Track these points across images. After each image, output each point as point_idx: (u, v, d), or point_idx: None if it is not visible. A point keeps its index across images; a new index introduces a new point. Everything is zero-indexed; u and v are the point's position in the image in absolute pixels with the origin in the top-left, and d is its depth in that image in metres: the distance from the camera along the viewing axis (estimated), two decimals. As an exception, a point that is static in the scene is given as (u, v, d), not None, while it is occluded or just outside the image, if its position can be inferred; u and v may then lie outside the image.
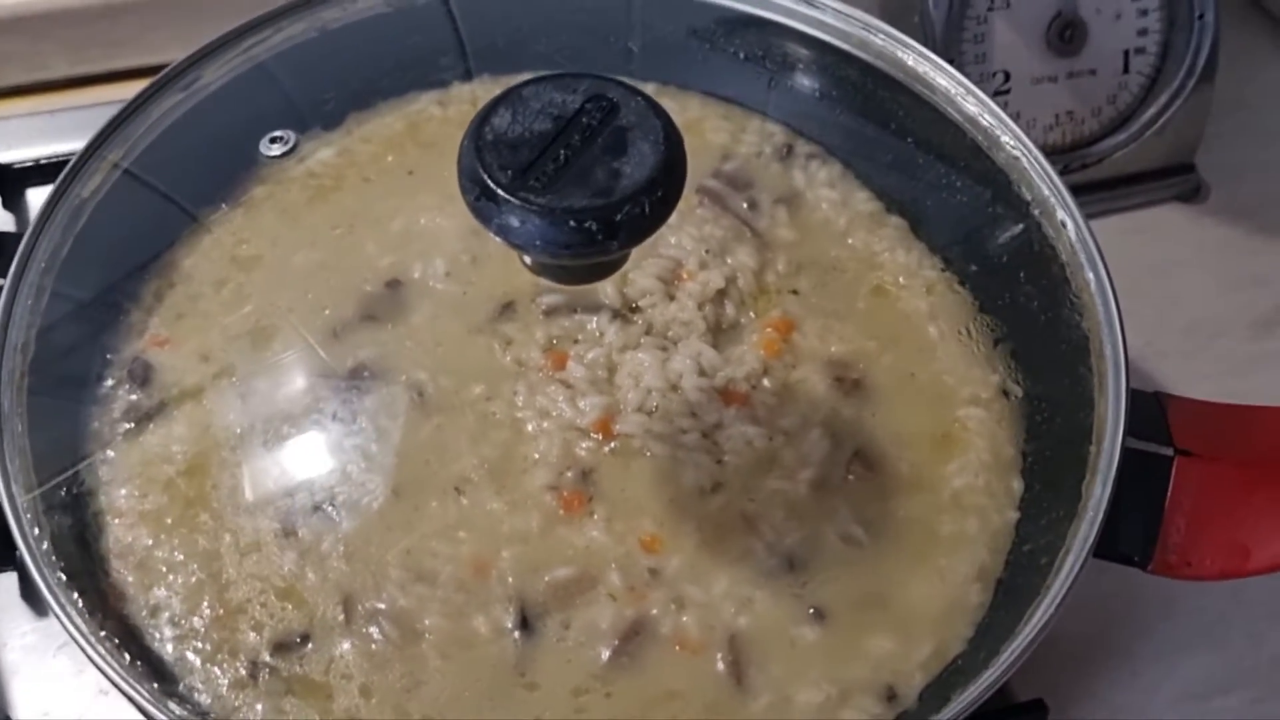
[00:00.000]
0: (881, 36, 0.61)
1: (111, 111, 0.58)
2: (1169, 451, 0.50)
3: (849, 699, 0.48)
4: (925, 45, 0.61)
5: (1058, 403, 0.54)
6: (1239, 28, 0.84)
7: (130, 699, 0.45)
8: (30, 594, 0.60)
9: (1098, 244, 0.55)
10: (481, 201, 0.44)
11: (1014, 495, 0.53)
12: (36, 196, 0.74)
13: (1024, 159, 0.58)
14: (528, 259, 0.47)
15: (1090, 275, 0.54)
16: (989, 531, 0.52)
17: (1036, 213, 0.57)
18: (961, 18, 0.70)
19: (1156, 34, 0.73)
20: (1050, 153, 0.73)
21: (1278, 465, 0.49)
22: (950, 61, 0.61)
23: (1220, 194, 0.77)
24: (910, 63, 0.60)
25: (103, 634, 0.46)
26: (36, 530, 0.48)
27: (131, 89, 0.59)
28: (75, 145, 0.64)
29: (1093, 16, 0.72)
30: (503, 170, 0.44)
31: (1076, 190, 0.77)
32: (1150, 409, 0.52)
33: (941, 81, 0.60)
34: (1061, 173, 0.75)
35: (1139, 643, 0.61)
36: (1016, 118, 0.72)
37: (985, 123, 0.59)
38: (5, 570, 0.57)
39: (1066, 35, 0.72)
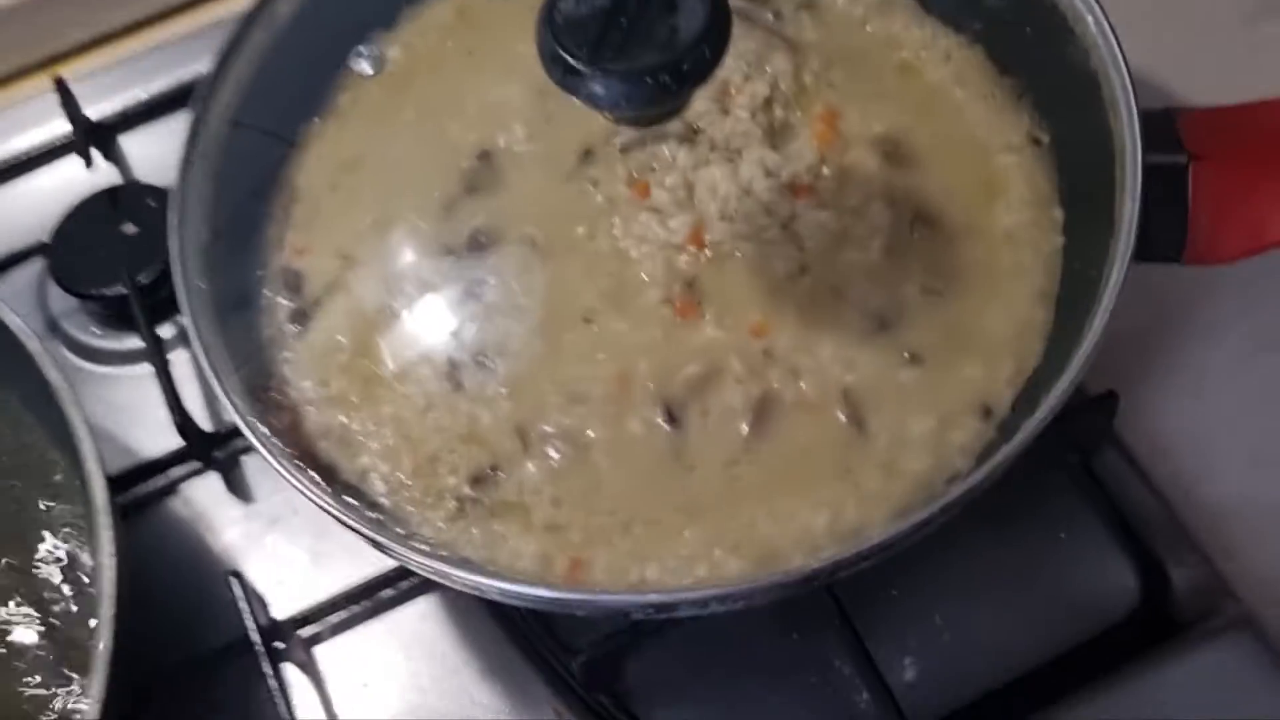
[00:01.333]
0: None
1: (170, 51, 0.62)
2: (1184, 159, 0.57)
3: (954, 422, 0.56)
4: None
5: (1081, 137, 0.60)
6: None
7: (376, 544, 0.54)
8: (236, 486, 0.70)
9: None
10: (568, 78, 0.51)
11: (1057, 223, 0.60)
12: (129, 143, 0.81)
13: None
14: (609, 119, 0.55)
15: (1089, 18, 0.60)
16: (1041, 258, 0.59)
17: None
18: None
19: None
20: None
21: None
22: None
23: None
24: None
25: (342, 498, 0.55)
26: (258, 424, 0.56)
27: (181, 23, 0.64)
28: (147, 89, 0.70)
29: None
30: (579, 47, 0.50)
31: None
32: (1163, 124, 0.58)
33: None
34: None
35: (1188, 327, 0.70)
36: None
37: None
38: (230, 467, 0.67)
39: None
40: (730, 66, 0.63)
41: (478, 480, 0.57)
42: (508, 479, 0.57)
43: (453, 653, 0.65)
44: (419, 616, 0.66)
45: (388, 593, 0.66)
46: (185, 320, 0.58)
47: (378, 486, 0.58)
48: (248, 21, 0.64)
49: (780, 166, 0.61)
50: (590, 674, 0.62)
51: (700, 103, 0.62)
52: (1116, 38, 0.58)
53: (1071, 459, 0.67)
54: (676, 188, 0.61)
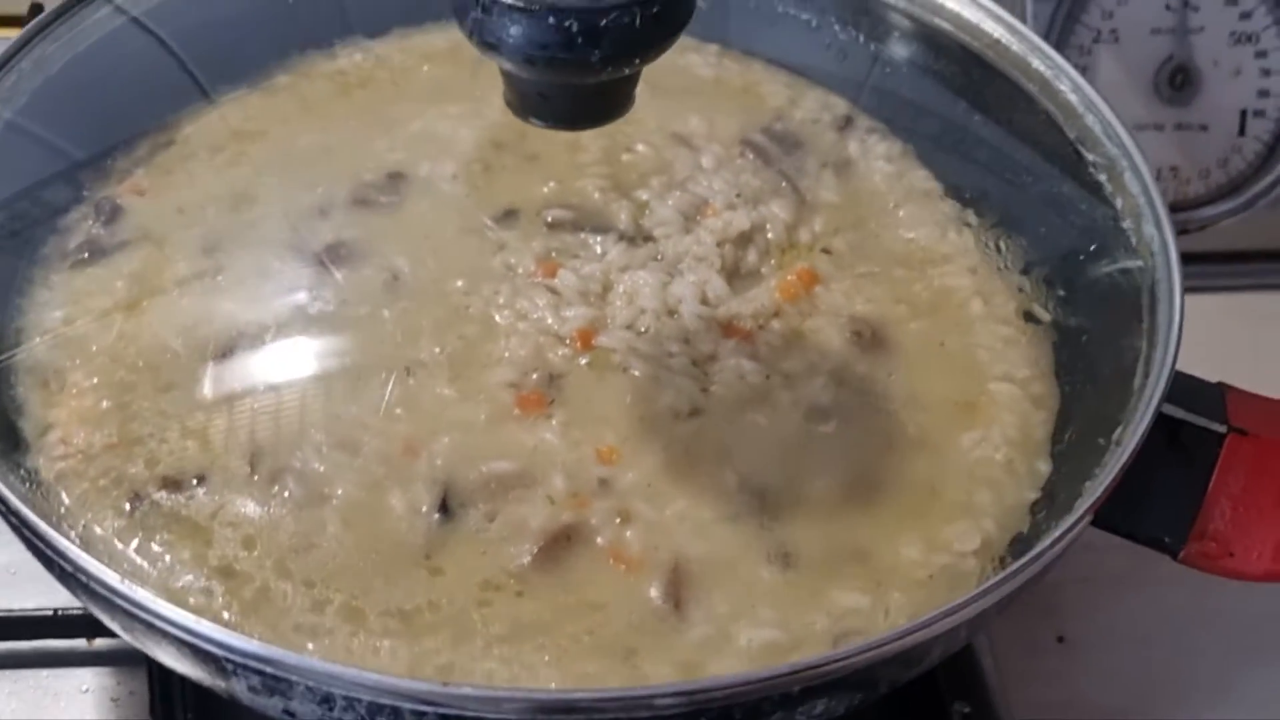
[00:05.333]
0: (983, 14, 0.56)
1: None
2: (1221, 428, 0.42)
3: (800, 648, 0.41)
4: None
5: (1104, 396, 0.47)
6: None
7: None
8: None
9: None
10: (471, 9, 0.40)
11: (1039, 477, 0.46)
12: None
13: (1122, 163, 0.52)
14: (513, 99, 0.43)
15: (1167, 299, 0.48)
16: (1003, 507, 0.45)
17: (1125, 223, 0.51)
18: (1062, 44, 0.66)
19: (1279, 98, 0.67)
20: (1149, 210, 0.68)
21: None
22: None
23: (1339, 289, 0.70)
24: (1013, 46, 0.56)
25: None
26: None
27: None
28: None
29: (1209, 67, 0.67)
30: (494, -19, 0.40)
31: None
32: (1209, 394, 0.45)
33: (1042, 69, 0.55)
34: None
35: None
36: (1115, 164, 0.67)
37: (1079, 108, 0.53)
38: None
39: (1178, 82, 0.67)
40: (716, 188, 0.53)
41: (170, 483, 0.43)
42: (205, 496, 0.43)
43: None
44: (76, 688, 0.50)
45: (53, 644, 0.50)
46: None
47: (53, 449, 0.44)
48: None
49: (723, 300, 0.49)
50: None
51: (665, 210, 0.52)
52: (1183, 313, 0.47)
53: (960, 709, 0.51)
54: (591, 280, 0.50)
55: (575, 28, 0.39)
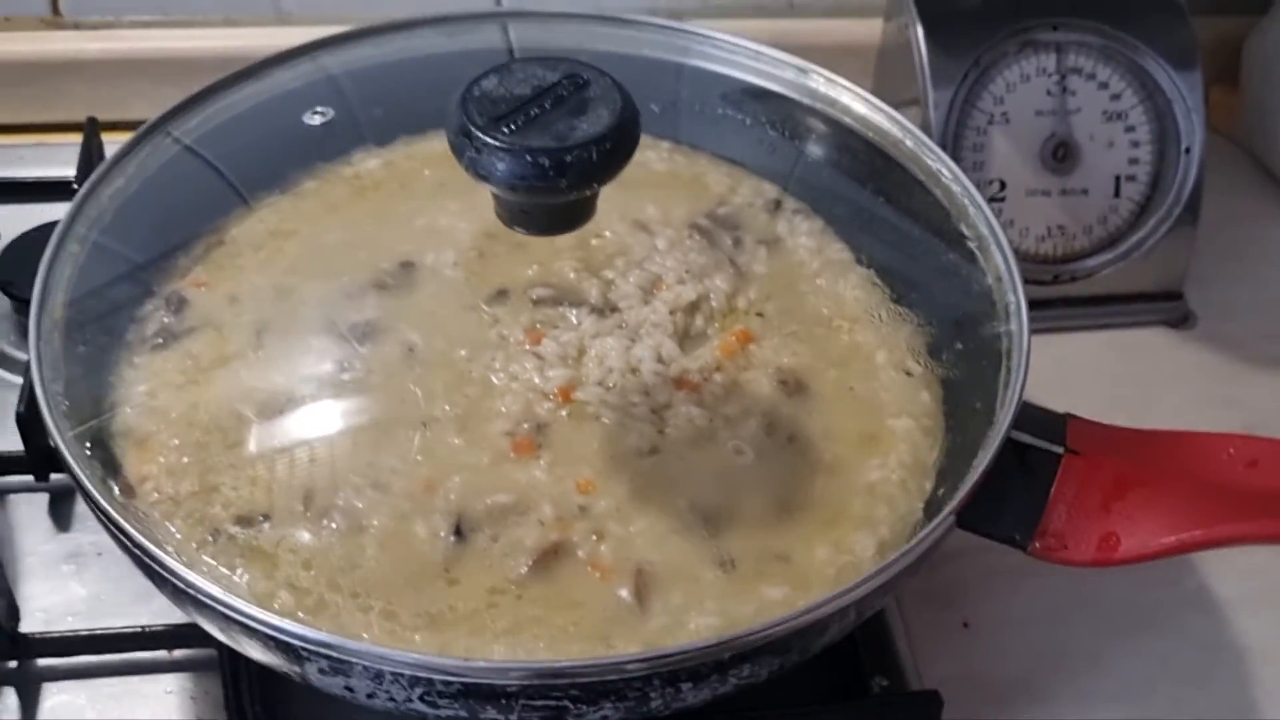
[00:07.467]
0: (884, 118, 0.68)
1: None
2: (1060, 450, 0.54)
3: (733, 629, 0.52)
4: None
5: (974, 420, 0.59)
6: (1246, 188, 0.90)
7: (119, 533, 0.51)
8: (57, 512, 0.68)
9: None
10: (459, 138, 0.52)
11: (924, 492, 0.58)
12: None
13: (990, 240, 0.63)
14: (502, 213, 0.55)
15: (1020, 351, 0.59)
16: (897, 516, 0.57)
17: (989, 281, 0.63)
18: (961, 126, 0.77)
19: (1147, 164, 0.79)
20: (1041, 262, 0.80)
21: (1155, 472, 0.53)
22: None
23: (1207, 324, 0.82)
24: (907, 144, 0.68)
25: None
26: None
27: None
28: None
29: (1087, 141, 0.78)
30: (481, 117, 0.52)
31: (1068, 303, 0.84)
32: (1054, 422, 0.56)
33: (930, 163, 0.67)
34: (1052, 282, 0.82)
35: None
36: (1010, 225, 0.79)
37: (958, 195, 0.65)
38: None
39: (1060, 155, 0.78)
40: (668, 266, 0.64)
41: (243, 520, 0.54)
42: (272, 530, 0.54)
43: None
44: (161, 691, 0.62)
45: (140, 655, 0.62)
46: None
47: (149, 495, 0.55)
48: (250, 71, 0.68)
49: (674, 358, 0.61)
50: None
51: (627, 286, 0.63)
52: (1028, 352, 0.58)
53: (879, 682, 0.61)
54: (569, 345, 0.61)
55: (547, 163, 0.51)
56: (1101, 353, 0.80)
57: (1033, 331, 0.81)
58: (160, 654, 0.63)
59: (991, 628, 0.66)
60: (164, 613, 0.61)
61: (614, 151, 0.52)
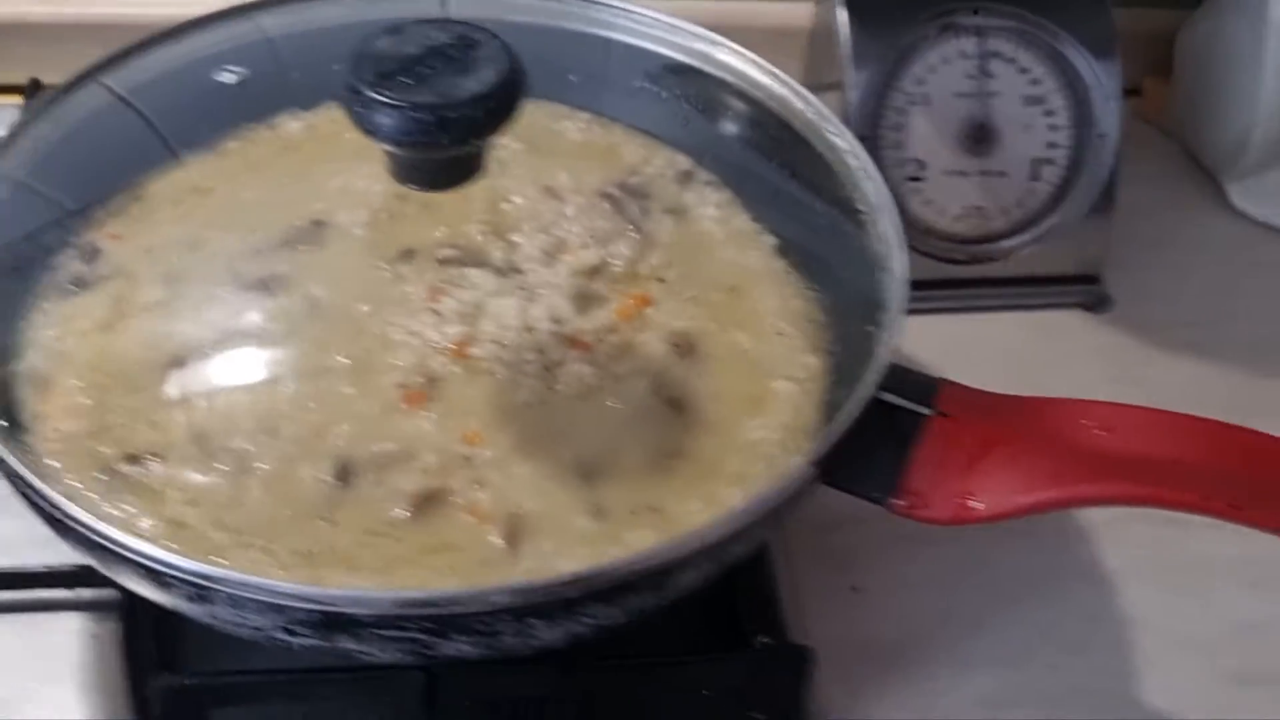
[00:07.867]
0: (789, 91, 0.70)
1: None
2: (927, 411, 0.56)
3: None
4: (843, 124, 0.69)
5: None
6: (1174, 179, 0.92)
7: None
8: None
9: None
10: (348, 94, 0.54)
11: (803, 449, 0.59)
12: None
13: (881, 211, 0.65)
14: (393, 169, 0.57)
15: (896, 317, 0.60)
16: (773, 474, 0.58)
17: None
18: (882, 106, 0.79)
19: (1065, 149, 0.80)
20: (959, 241, 0.82)
21: (1018, 435, 0.55)
22: (864, 140, 0.70)
23: (1124, 309, 0.83)
24: (809, 116, 0.69)
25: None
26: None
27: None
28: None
29: (1006, 124, 0.80)
30: (371, 74, 0.54)
31: (984, 283, 0.85)
32: (926, 385, 0.58)
33: (831, 136, 0.68)
34: (968, 262, 0.84)
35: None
36: (929, 204, 0.81)
37: (854, 169, 0.66)
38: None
39: (979, 137, 0.80)
40: (574, 231, 0.66)
41: (133, 458, 0.56)
42: (160, 468, 0.56)
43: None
44: (64, 629, 0.63)
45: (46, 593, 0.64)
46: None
47: (45, 432, 0.57)
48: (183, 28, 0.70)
49: (568, 320, 0.62)
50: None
51: (531, 248, 0.65)
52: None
53: (761, 640, 0.63)
54: (468, 304, 0.62)
55: (430, 119, 0.53)
56: (1014, 333, 0.82)
57: (948, 310, 0.84)
58: (65, 594, 0.64)
59: (880, 592, 0.68)
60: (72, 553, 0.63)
61: (497, 109, 0.53)
